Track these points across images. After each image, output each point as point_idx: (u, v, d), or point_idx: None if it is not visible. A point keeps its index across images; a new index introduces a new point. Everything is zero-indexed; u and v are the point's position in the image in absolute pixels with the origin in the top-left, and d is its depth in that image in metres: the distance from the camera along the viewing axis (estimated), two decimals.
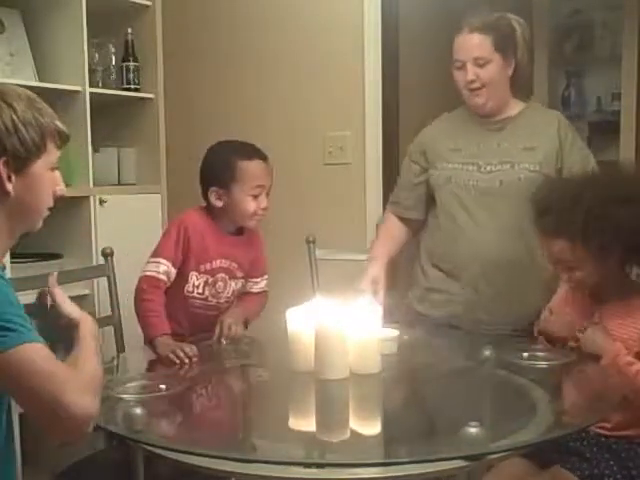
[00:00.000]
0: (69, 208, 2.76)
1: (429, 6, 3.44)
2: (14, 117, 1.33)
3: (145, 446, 1.43)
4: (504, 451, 1.38)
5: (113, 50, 3.12)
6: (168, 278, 2.16)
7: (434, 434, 1.47)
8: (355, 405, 1.72)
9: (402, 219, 2.42)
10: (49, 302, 1.49)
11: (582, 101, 4.50)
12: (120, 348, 2.31)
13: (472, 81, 2.21)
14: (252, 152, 2.23)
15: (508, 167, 2.21)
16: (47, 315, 1.48)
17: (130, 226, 2.45)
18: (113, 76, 3.12)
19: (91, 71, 2.95)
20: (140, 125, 3.24)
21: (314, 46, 2.90)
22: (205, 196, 2.25)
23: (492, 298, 2.20)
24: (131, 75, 3.11)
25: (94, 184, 2.88)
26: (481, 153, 2.26)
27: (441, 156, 2.30)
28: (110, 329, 2.32)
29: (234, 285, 2.28)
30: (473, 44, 2.20)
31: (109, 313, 2.35)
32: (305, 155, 2.96)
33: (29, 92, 1.39)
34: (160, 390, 1.65)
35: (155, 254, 2.18)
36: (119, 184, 3.16)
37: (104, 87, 3.05)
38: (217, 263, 2.23)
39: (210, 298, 2.25)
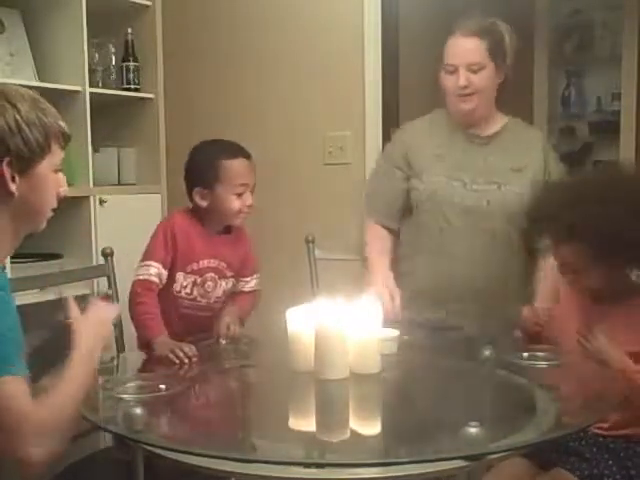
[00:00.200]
0: (69, 208, 2.75)
1: (429, 6, 3.44)
2: (18, 117, 1.33)
3: (145, 446, 1.43)
4: (504, 451, 1.38)
5: (113, 50, 3.12)
6: (160, 280, 2.18)
7: (434, 434, 1.47)
8: (355, 405, 1.72)
9: (383, 227, 2.38)
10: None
11: (582, 101, 4.50)
12: (120, 348, 2.31)
13: (464, 87, 2.15)
14: (234, 151, 2.24)
15: (495, 187, 2.19)
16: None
17: (130, 226, 2.45)
18: (113, 76, 3.12)
19: (91, 71, 2.95)
20: (140, 125, 3.24)
21: (314, 46, 2.90)
22: (190, 197, 2.26)
23: (475, 316, 2.20)
24: (131, 75, 3.11)
25: (94, 184, 2.88)
26: (466, 166, 2.22)
27: (426, 165, 2.25)
28: None
29: (224, 285, 2.29)
30: (468, 48, 2.15)
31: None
32: (305, 155, 2.96)
33: (33, 93, 1.39)
34: (160, 390, 1.65)
35: (145, 257, 2.20)
36: (119, 184, 3.16)
37: (104, 87, 3.05)
38: (205, 263, 2.23)
39: (199, 298, 2.25)
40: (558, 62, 4.46)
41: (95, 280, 2.72)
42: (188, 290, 2.23)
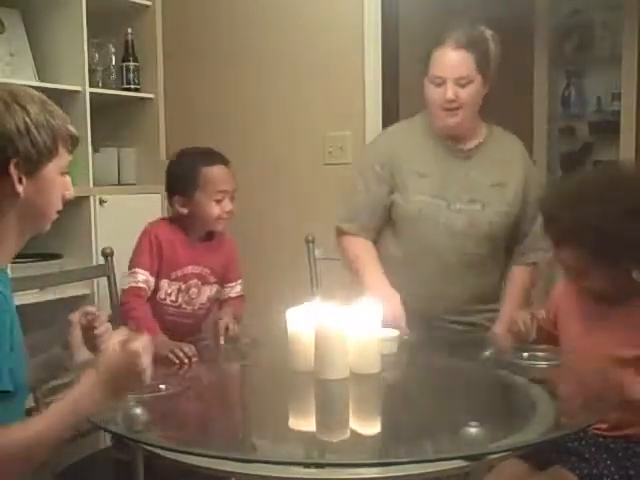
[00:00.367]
0: (69, 208, 2.69)
1: (429, 6, 3.44)
2: (27, 119, 1.32)
3: (145, 446, 1.43)
4: (504, 451, 1.37)
5: (113, 50, 3.12)
6: (148, 287, 2.19)
7: (434, 434, 1.47)
8: (355, 405, 1.72)
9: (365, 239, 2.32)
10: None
11: (582, 101, 4.50)
12: None
13: (452, 100, 2.11)
14: (213, 158, 2.25)
15: (478, 208, 2.19)
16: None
17: (130, 226, 2.45)
18: (113, 76, 3.12)
19: (91, 71, 2.95)
20: (140, 125, 3.24)
21: (314, 46, 2.90)
22: (171, 204, 2.28)
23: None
24: (131, 75, 3.11)
25: (94, 184, 2.89)
26: (448, 184, 2.20)
27: (409, 182, 2.22)
28: None
29: (208, 291, 2.30)
30: (457, 62, 2.10)
31: (109, 313, 2.34)
32: (305, 155, 2.97)
33: (42, 95, 1.39)
34: (160, 390, 1.65)
35: (131, 266, 2.21)
36: (119, 184, 3.16)
37: (104, 87, 3.05)
38: (189, 269, 2.25)
39: (184, 305, 2.27)
40: (558, 62, 4.47)
41: (95, 280, 2.72)
42: (173, 297, 2.25)
